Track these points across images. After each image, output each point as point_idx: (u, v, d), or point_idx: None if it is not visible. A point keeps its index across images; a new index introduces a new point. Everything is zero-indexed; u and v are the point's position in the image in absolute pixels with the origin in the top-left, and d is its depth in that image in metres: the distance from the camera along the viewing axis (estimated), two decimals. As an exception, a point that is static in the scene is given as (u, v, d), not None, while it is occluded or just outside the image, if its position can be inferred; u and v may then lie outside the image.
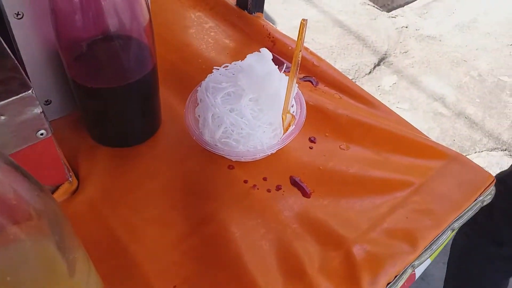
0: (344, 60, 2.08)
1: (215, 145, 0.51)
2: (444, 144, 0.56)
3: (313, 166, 0.54)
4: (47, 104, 0.54)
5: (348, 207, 0.50)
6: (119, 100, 0.50)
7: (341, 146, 0.56)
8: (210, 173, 0.53)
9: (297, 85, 0.54)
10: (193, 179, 0.52)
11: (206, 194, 0.51)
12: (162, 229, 0.48)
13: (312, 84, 0.65)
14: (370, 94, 0.63)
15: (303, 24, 0.39)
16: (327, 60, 0.67)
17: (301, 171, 0.53)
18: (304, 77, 0.65)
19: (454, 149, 0.55)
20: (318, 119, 0.59)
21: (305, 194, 0.51)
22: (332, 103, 0.60)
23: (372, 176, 0.53)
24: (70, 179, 0.49)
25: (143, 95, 0.52)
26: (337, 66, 2.04)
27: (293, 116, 0.52)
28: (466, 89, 2.03)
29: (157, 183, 0.52)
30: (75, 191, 0.50)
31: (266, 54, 0.51)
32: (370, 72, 2.09)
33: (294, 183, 0.52)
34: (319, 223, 0.48)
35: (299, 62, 0.44)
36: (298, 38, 0.40)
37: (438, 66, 2.13)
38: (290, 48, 0.68)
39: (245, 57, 0.52)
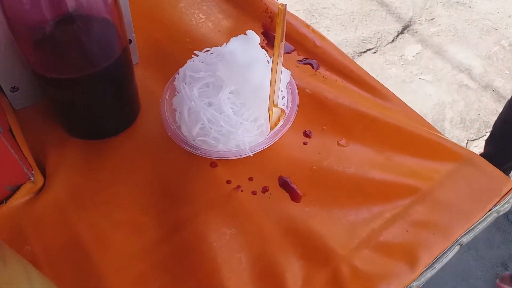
0: (365, 27, 1.96)
1: (193, 140, 0.45)
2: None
3: (305, 165, 0.48)
4: (14, 91, 0.49)
5: (341, 216, 0.44)
6: (86, 90, 0.45)
7: (339, 142, 0.50)
8: (189, 171, 0.47)
9: (289, 72, 0.48)
10: (170, 178, 0.47)
11: (183, 196, 0.45)
12: (132, 235, 0.43)
13: (312, 67, 0.58)
14: (377, 80, 0.56)
15: (281, 10, 0.32)
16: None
17: (292, 171, 0.48)
18: (303, 59, 0.58)
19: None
20: (315, 110, 0.52)
21: (295, 197, 0.46)
22: (333, 91, 0.53)
23: (371, 179, 0.46)
24: (32, 178, 0.44)
25: (113, 84, 0.46)
26: (358, 34, 1.94)
27: (282, 110, 0.45)
28: (495, 60, 1.90)
29: (130, 181, 0.47)
30: (40, 190, 0.46)
31: (252, 37, 0.45)
32: (393, 41, 1.97)
33: (284, 184, 0.47)
34: (306, 234, 0.43)
35: (282, 53, 0.37)
36: (277, 26, 0.34)
37: (466, 34, 2.00)
38: (290, 25, 0.61)
39: (237, 36, 0.46)
